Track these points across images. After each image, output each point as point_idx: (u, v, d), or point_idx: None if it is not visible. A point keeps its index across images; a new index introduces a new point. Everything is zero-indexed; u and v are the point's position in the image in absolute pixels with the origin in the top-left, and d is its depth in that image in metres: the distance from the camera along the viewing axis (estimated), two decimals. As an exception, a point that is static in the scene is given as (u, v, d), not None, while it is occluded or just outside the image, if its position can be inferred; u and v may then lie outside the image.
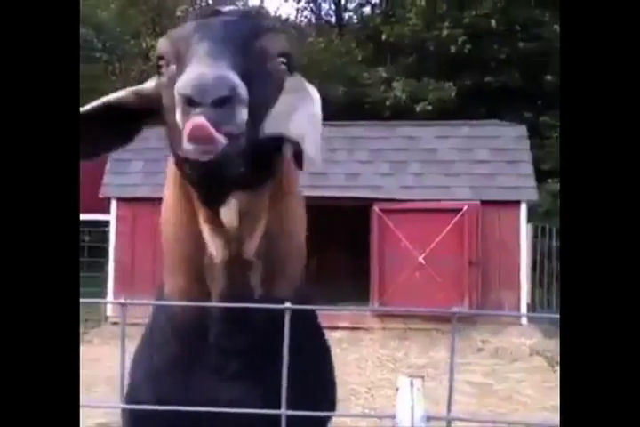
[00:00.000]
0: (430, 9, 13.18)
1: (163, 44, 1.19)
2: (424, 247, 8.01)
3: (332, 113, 13.09)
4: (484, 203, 8.08)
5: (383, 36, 13.69)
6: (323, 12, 18.61)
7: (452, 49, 12.69)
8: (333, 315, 7.26)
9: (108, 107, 1.27)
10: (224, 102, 0.96)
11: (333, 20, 18.06)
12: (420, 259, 8.01)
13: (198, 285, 1.33)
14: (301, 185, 1.44)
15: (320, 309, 1.36)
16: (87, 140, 1.20)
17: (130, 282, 8.29)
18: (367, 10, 17.38)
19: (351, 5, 17.65)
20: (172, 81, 1.06)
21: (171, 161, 1.28)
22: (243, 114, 1.00)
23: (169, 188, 1.36)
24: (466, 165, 8.56)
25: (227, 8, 1.21)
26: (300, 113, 1.13)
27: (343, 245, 10.31)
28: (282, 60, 1.18)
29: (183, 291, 1.37)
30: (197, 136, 0.97)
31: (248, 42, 1.13)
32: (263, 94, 1.09)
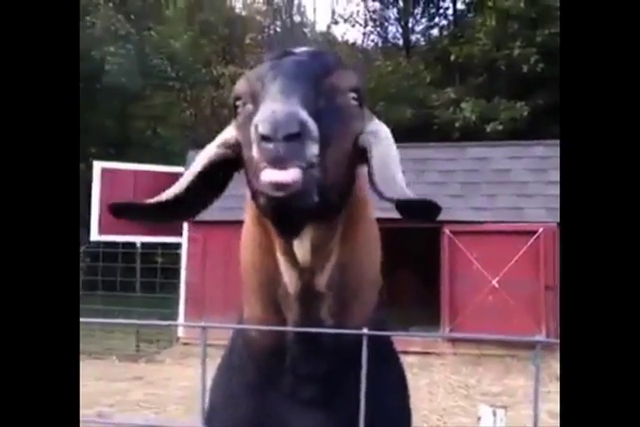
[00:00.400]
0: (501, 28, 13.02)
1: (240, 86, 1.25)
2: (497, 271, 7.77)
3: (401, 135, 13.03)
4: (560, 225, 7.78)
5: (452, 57, 13.61)
6: (390, 35, 18.73)
7: (524, 68, 12.46)
8: (404, 339, 7.09)
9: (204, 172, 1.32)
10: (295, 138, 1.01)
11: (400, 42, 18.10)
12: (494, 282, 7.77)
13: (274, 312, 1.35)
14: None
15: (396, 335, 1.31)
16: (192, 206, 1.32)
17: (201, 303, 8.41)
18: (435, 32, 17.37)
19: (418, 28, 17.69)
20: (249, 119, 1.12)
21: (247, 196, 1.32)
22: (313, 148, 1.04)
23: (248, 217, 1.39)
24: (540, 186, 8.30)
25: (299, 49, 1.27)
26: (394, 166, 1.24)
27: (413, 267, 10.15)
28: (352, 95, 1.22)
29: (260, 318, 1.39)
30: (275, 186, 1.03)
31: (319, 79, 1.17)
32: (335, 129, 1.14)
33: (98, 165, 8.98)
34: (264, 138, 1.01)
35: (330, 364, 1.33)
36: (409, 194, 1.19)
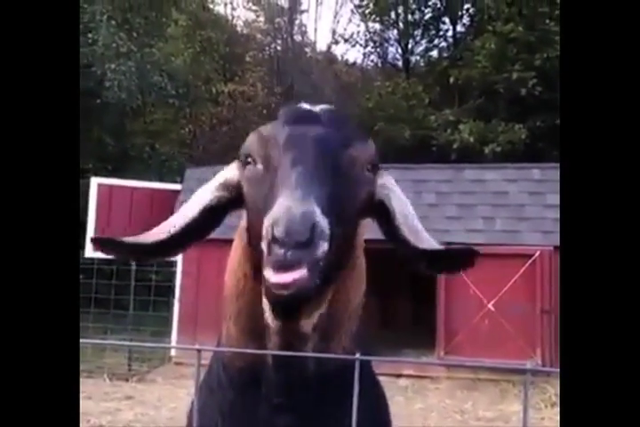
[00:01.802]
0: (500, 52, 13.14)
1: (252, 144, 1.24)
2: (494, 294, 7.73)
3: (399, 155, 13.12)
4: (557, 248, 7.77)
5: (451, 79, 13.71)
6: (389, 56, 18.88)
7: (523, 91, 12.55)
8: (398, 362, 7.03)
9: (208, 210, 1.32)
10: (306, 244, 1.02)
11: (400, 63, 18.24)
12: (490, 306, 7.73)
13: (253, 339, 1.34)
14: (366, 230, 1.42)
15: (389, 360, 1.29)
16: (191, 240, 1.31)
17: (193, 322, 8.34)
18: (434, 53, 17.51)
19: (418, 49, 17.83)
20: (258, 181, 1.17)
21: (241, 226, 1.34)
22: (323, 246, 1.04)
23: (238, 246, 1.38)
24: (537, 209, 8.30)
25: (316, 108, 1.25)
26: (416, 219, 1.29)
27: (408, 290, 10.09)
28: (368, 166, 1.23)
29: (238, 343, 1.38)
30: (280, 286, 1.04)
31: (338, 154, 1.18)
32: (347, 204, 1.16)
33: (94, 181, 8.96)
34: (276, 240, 1.01)
35: (309, 392, 1.31)
36: (440, 246, 1.21)
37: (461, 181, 8.82)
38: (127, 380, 7.66)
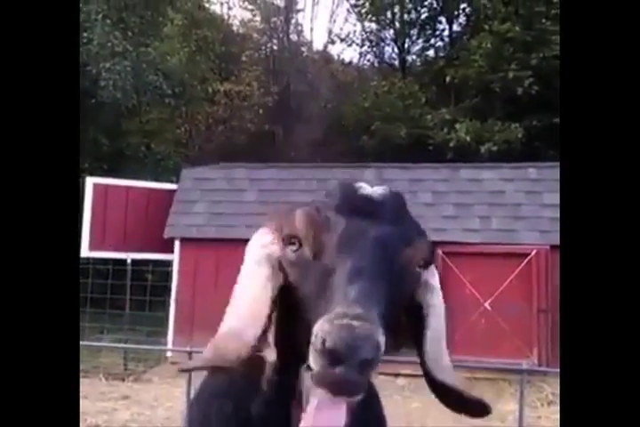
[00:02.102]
0: (496, 51, 13.14)
1: (300, 224, 1.13)
2: (490, 293, 7.74)
3: (395, 155, 13.11)
4: (553, 247, 7.77)
5: (447, 78, 13.70)
6: (386, 55, 18.86)
7: (519, 90, 12.56)
8: (395, 362, 7.01)
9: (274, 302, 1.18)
10: (367, 364, 0.92)
11: (397, 63, 18.23)
12: (486, 305, 7.73)
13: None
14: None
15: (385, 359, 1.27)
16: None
17: (189, 322, 8.31)
18: (431, 53, 17.50)
19: (414, 48, 17.82)
20: (305, 268, 1.09)
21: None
22: (371, 373, 0.95)
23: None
24: (533, 209, 8.30)
25: (377, 196, 1.15)
26: (444, 343, 1.22)
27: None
28: (421, 263, 1.15)
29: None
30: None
31: (397, 255, 1.09)
32: (398, 307, 1.10)
33: (90, 181, 8.94)
34: (334, 355, 0.90)
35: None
36: (456, 383, 1.15)
37: (458, 180, 8.82)
38: (123, 380, 7.65)
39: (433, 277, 1.25)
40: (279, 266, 1.18)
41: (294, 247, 1.13)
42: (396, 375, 7.42)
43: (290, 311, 1.14)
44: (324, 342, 0.91)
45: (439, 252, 8.05)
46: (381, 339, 0.93)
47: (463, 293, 7.83)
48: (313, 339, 0.94)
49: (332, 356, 0.91)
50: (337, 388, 0.92)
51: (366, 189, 1.17)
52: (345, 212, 1.12)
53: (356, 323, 0.91)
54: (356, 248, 1.06)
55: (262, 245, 1.23)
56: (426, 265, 1.17)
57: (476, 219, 8.37)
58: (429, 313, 1.20)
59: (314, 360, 0.94)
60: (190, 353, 0.90)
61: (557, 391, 7.09)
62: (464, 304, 7.82)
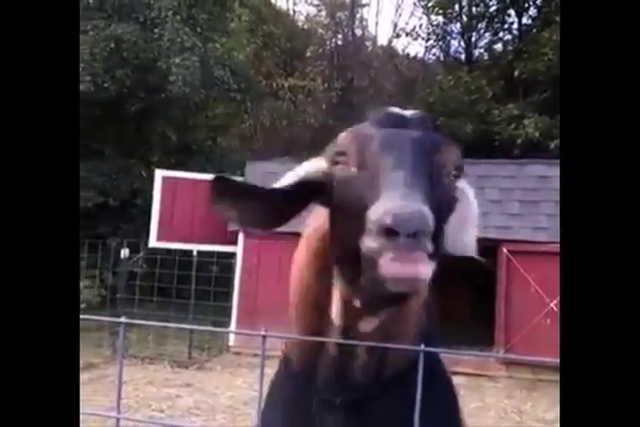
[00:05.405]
0: (567, 44, 12.73)
1: (345, 142, 1.22)
2: (556, 293, 7.53)
3: (460, 151, 12.81)
4: (624, 247, 7.50)
5: (515, 73, 13.37)
6: (452, 50, 18.56)
7: (590, 85, 12.15)
8: (454, 359, 6.94)
9: (302, 184, 1.28)
10: (418, 235, 0.98)
11: (463, 57, 17.92)
12: (552, 305, 7.54)
13: (314, 343, 1.36)
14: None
15: (454, 353, 1.27)
16: (285, 213, 1.26)
17: (252, 313, 8.47)
18: (498, 46, 17.11)
19: (481, 42, 17.47)
20: (351, 182, 1.15)
21: (314, 227, 1.34)
22: (429, 245, 1.00)
23: (306, 251, 1.38)
24: (604, 207, 8.03)
25: (407, 113, 1.26)
26: (470, 227, 1.31)
27: (467, 287, 9.95)
28: (454, 172, 1.21)
29: (300, 346, 1.41)
30: (401, 280, 0.99)
31: (431, 160, 1.16)
32: (441, 212, 1.13)
33: (159, 174, 9.19)
34: (389, 233, 0.97)
35: (366, 391, 1.31)
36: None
37: (525, 176, 8.61)
38: (187, 367, 7.85)
39: (467, 187, 1.32)
40: (315, 183, 1.25)
41: (342, 166, 1.21)
42: (454, 373, 7.33)
43: (336, 224, 1.21)
44: (377, 221, 0.98)
45: (504, 250, 7.90)
46: (429, 215, 0.98)
47: (528, 292, 7.66)
48: (367, 225, 1.01)
49: (388, 232, 0.97)
50: (400, 254, 0.98)
51: (397, 109, 1.27)
52: (382, 126, 1.21)
53: (404, 201, 0.99)
54: (395, 147, 1.14)
55: (299, 171, 1.31)
56: (459, 172, 1.23)
57: (543, 217, 8.16)
58: (460, 201, 1.25)
59: (372, 242, 1.00)
60: (264, 337, 0.94)
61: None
62: (529, 304, 7.66)
